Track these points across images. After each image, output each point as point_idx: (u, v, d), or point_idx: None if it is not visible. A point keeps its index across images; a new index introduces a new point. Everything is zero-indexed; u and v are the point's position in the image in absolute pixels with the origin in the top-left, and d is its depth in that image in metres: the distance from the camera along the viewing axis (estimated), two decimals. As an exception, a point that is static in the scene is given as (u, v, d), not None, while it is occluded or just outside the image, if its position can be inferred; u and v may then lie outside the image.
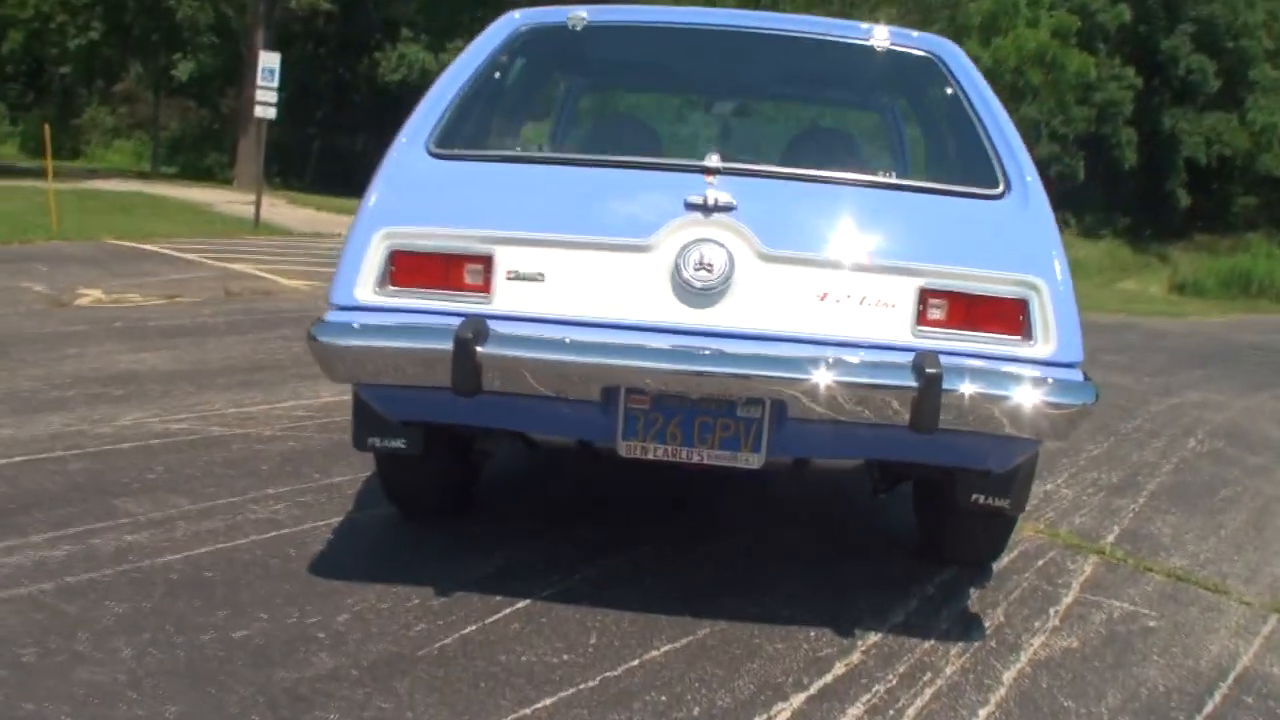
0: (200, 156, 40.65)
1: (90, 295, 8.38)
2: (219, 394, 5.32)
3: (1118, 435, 6.24)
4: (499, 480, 4.14)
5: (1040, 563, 3.80)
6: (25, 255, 10.84)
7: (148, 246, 12.36)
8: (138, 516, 3.54)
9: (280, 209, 20.04)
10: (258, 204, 16.47)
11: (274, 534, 3.47)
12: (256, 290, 9.32)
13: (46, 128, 15.21)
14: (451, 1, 36.10)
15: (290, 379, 5.77)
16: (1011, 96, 39.34)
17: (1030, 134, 41.13)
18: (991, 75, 34.20)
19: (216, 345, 6.65)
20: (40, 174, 27.74)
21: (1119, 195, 50.03)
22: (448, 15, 35.65)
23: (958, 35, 36.23)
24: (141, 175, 34.35)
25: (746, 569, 3.49)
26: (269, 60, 15.08)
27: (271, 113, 15.15)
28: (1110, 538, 4.20)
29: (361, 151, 42.69)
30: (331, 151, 40.75)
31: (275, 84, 15.09)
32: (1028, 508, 4.19)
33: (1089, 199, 47.69)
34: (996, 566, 3.66)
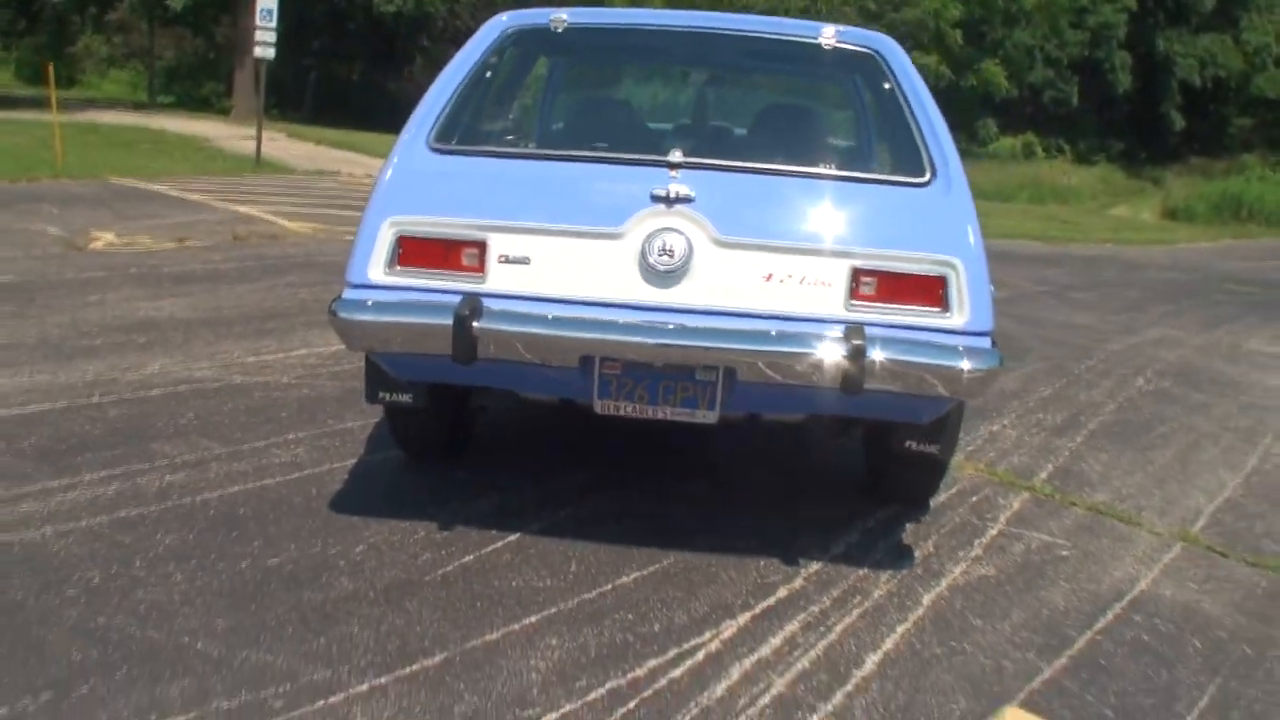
0: (196, 86, 40.44)
1: (103, 239, 8.78)
2: (236, 342, 5.77)
3: (1070, 376, 6.69)
4: (493, 431, 4.60)
5: (974, 499, 4.28)
6: (33, 194, 11.21)
7: (153, 186, 12.71)
8: (174, 459, 4.01)
9: (280, 143, 20.31)
10: (258, 142, 16.75)
11: (296, 475, 3.95)
12: (262, 235, 9.70)
13: (50, 66, 15.42)
14: (446, -69, 35.84)
15: (299, 327, 6.22)
16: (1005, 22, 39.31)
17: (1024, 60, 41.15)
18: (985, 2, 33.90)
19: (228, 293, 7.07)
20: (38, 103, 27.94)
21: (1113, 119, 49.93)
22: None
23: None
24: (138, 106, 34.34)
25: (710, 508, 3.97)
26: (266, 1, 15.26)
27: (270, 53, 15.38)
28: (1043, 475, 4.68)
29: (358, 81, 42.65)
30: (328, 81, 40.57)
31: (273, 24, 15.29)
32: (971, 446, 4.69)
33: (1083, 124, 47.64)
34: (934, 503, 4.14)
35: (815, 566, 3.49)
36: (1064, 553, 3.84)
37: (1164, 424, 5.76)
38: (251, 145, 17.23)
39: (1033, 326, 8.35)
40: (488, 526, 3.60)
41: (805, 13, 30.57)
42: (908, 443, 3.56)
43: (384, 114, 36.64)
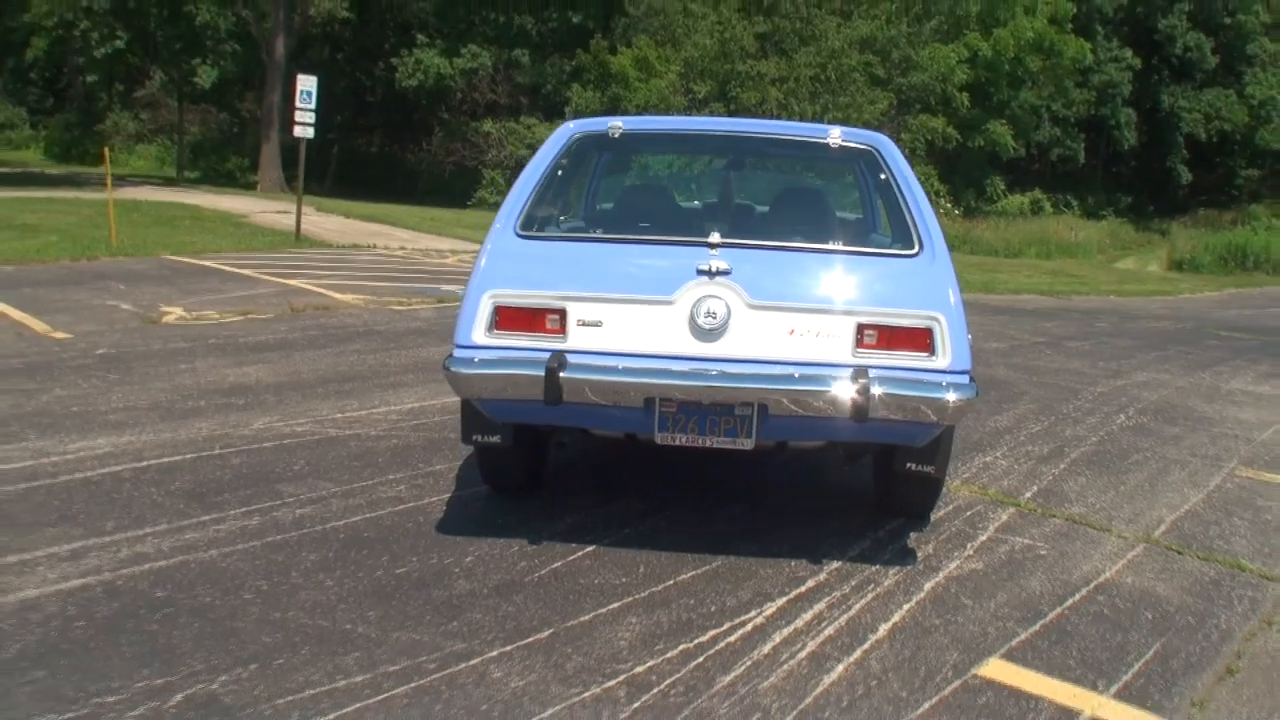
0: (221, 161, 41.65)
1: (174, 313, 9.66)
2: (322, 401, 6.60)
3: (1058, 415, 7.49)
4: (563, 469, 5.41)
5: (968, 514, 5.07)
6: (97, 272, 12.16)
7: (204, 263, 13.64)
8: (299, 496, 4.83)
9: (311, 217, 21.27)
10: (298, 218, 17.69)
11: (403, 507, 4.76)
12: (317, 307, 10.57)
13: (105, 151, 16.43)
14: (463, 5, 37.11)
15: (375, 389, 7.06)
16: (1010, 84, 40.30)
17: (1030, 119, 42.11)
18: (992, 65, 34.71)
19: (302, 359, 7.92)
20: (73, 182, 29.10)
21: (1120, 174, 50.87)
22: (462, 19, 36.74)
23: (957, 26, 37.25)
24: (167, 181, 35.55)
25: (749, 522, 4.78)
26: (306, 83, 16.28)
27: (310, 132, 16.37)
28: (1028, 494, 5.47)
29: (378, 155, 43.94)
30: (349, 155, 41.82)
31: (312, 105, 16.31)
32: (966, 473, 5.48)
33: (1090, 180, 48.56)
34: (934, 517, 4.94)
35: (836, 565, 4.29)
36: (1042, 552, 4.62)
37: (1138, 453, 6.55)
38: (283, 219, 18.21)
39: (1027, 374, 9.16)
40: (568, 541, 4.40)
41: (815, 80, 31.63)
42: (908, 465, 4.37)
43: (403, 185, 37.99)
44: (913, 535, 4.72)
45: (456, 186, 35.01)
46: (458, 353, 4.10)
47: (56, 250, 13.62)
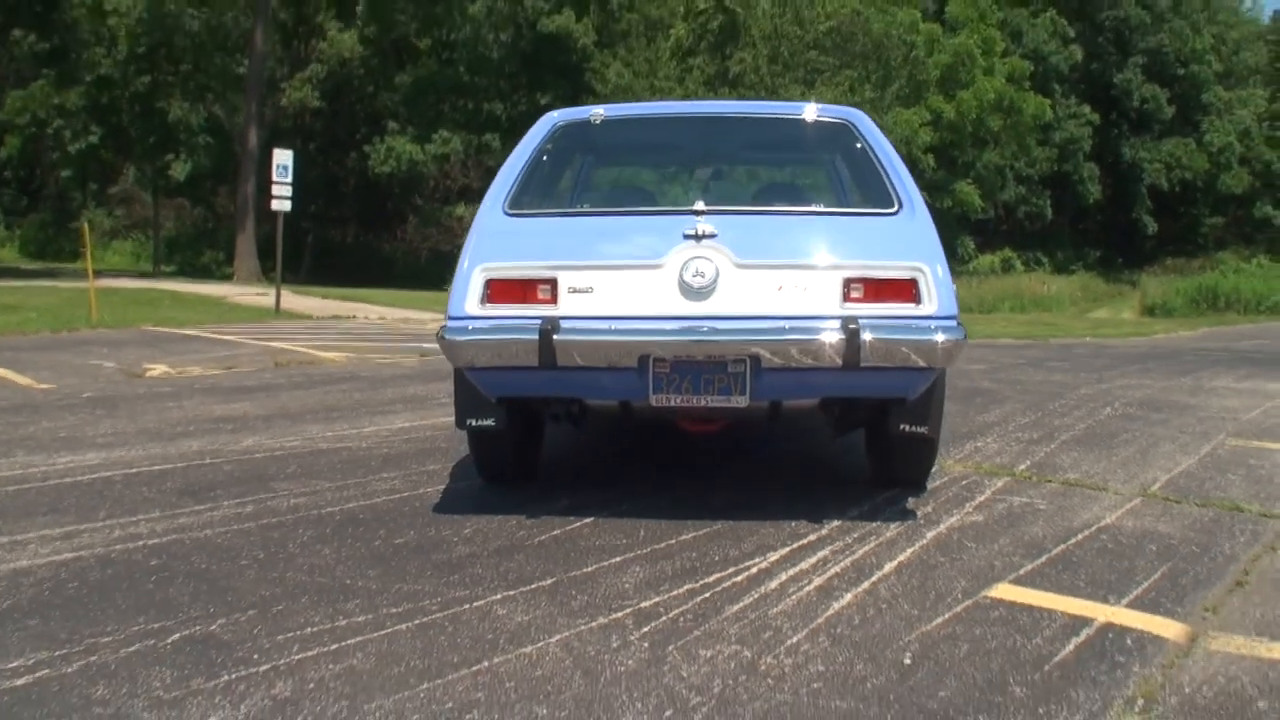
0: (196, 255, 41.83)
1: (158, 369, 9.62)
2: (311, 425, 6.58)
3: (1045, 410, 7.53)
4: (554, 462, 5.39)
5: (964, 483, 5.06)
6: (79, 340, 12.13)
7: (186, 331, 13.63)
8: (293, 490, 4.80)
9: (288, 298, 21.27)
10: (278, 290, 17.74)
11: (398, 496, 4.73)
12: (302, 361, 10.57)
13: (86, 228, 16.58)
14: (433, 93, 37.61)
15: (364, 415, 7.03)
16: (974, 144, 40.99)
17: (996, 179, 42.77)
18: (955, 127, 35.37)
19: (289, 397, 7.89)
20: (50, 275, 29.09)
21: (1088, 229, 51.61)
22: (431, 107, 37.20)
23: (918, 90, 37.98)
24: (144, 275, 35.57)
25: (747, 495, 4.77)
26: (282, 158, 16.42)
27: (287, 205, 16.47)
28: (1022, 467, 5.47)
29: (353, 244, 44.14)
30: (324, 243, 41.98)
31: (289, 179, 16.44)
32: (958, 455, 5.49)
33: (1059, 236, 49.24)
34: (930, 486, 4.93)
35: (837, 523, 4.27)
36: (1041, 507, 4.61)
37: (1127, 433, 6.58)
38: (262, 300, 18.27)
39: (1011, 385, 9.20)
40: (567, 514, 4.37)
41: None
42: (902, 426, 4.37)
43: (379, 272, 38.09)
44: (911, 499, 4.69)
45: (432, 271, 35.15)
46: (451, 324, 4.10)
47: (37, 324, 13.57)
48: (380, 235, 42.44)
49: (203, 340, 12.58)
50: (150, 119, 37.54)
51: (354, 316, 17.95)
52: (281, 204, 16.42)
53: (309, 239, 40.24)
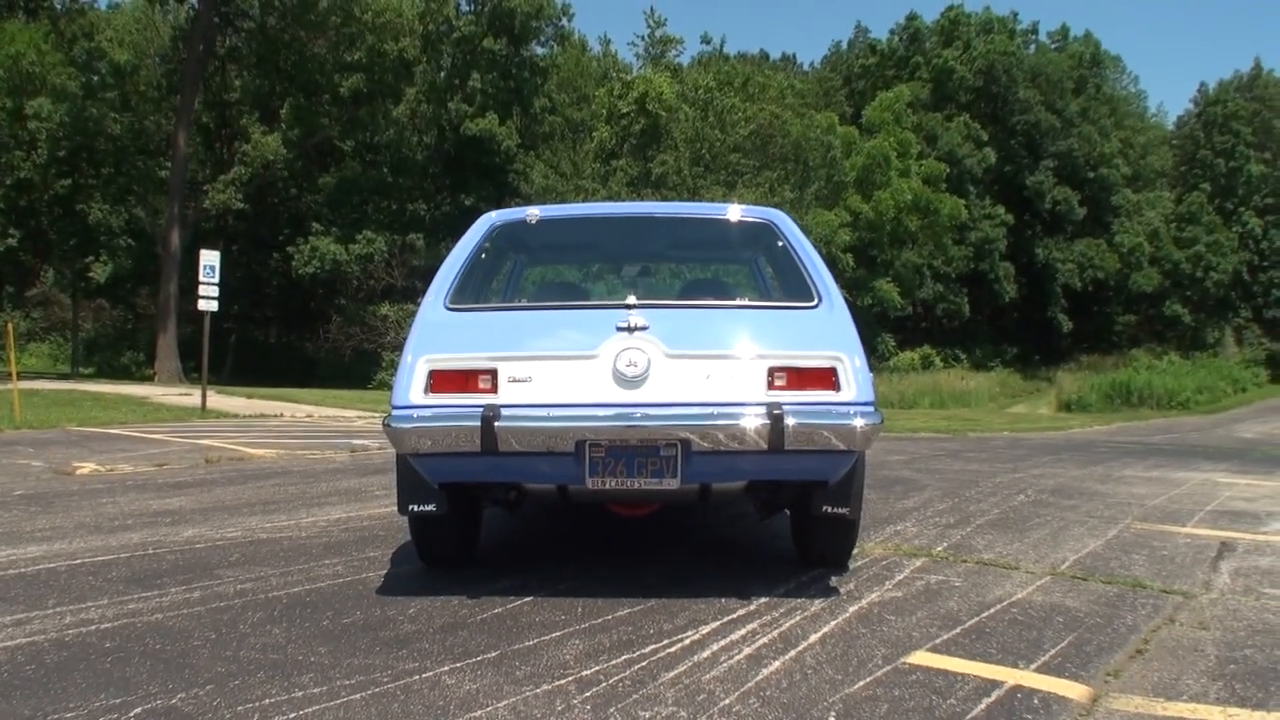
0: (116, 356, 41.31)
1: (87, 467, 9.60)
2: (249, 517, 6.68)
3: (961, 498, 7.87)
4: (493, 546, 5.56)
5: (884, 563, 5.33)
6: (4, 441, 11.99)
7: (112, 431, 13.57)
8: (239, 577, 4.92)
9: (214, 398, 21.19)
10: (203, 389, 17.72)
11: (342, 580, 4.87)
12: (233, 457, 10.62)
13: (11, 328, 16.37)
14: (357, 194, 37.90)
15: (301, 507, 7.14)
16: (893, 243, 42.15)
17: (914, 277, 43.91)
18: (873, 226, 36.41)
19: (224, 492, 7.97)
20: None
21: (1005, 326, 53.00)
22: (355, 208, 37.48)
23: (836, 191, 39.10)
24: (63, 376, 35.05)
25: (680, 572, 5.00)
26: (209, 258, 16.53)
27: (214, 305, 16.54)
28: (940, 548, 5.76)
29: (276, 344, 44.00)
30: (247, 344, 41.79)
31: (216, 279, 16.54)
32: (878, 538, 5.76)
33: (977, 333, 50.49)
34: (852, 566, 5.18)
35: (765, 599, 4.50)
36: (957, 584, 4.89)
37: (1039, 518, 6.92)
38: (187, 400, 18.22)
39: (929, 475, 9.55)
40: (506, 594, 4.55)
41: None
42: (824, 507, 4.64)
43: (303, 372, 37.98)
44: (834, 578, 4.95)
45: (356, 370, 35.19)
46: (397, 412, 4.31)
47: (-45, 427, 13.44)
48: (304, 335, 42.35)
49: (130, 439, 12.54)
50: (71, 221, 37.35)
51: (281, 414, 17.95)
52: (208, 304, 16.49)
53: (232, 339, 40.07)
